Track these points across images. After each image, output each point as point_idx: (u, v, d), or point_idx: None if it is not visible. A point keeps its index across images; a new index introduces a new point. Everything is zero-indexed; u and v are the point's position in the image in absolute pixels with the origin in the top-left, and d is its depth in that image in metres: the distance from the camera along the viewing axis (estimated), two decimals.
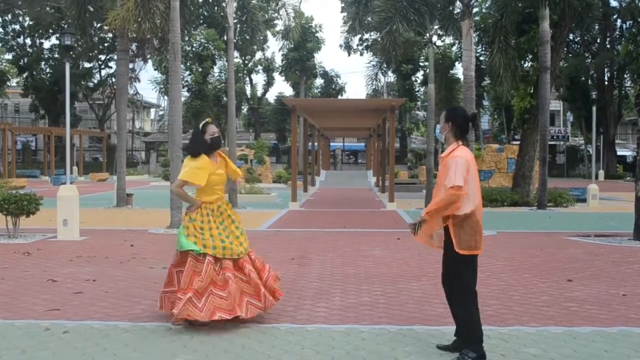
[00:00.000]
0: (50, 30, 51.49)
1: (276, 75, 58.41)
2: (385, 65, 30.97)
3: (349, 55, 46.41)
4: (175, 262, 5.51)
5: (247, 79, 59.19)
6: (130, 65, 28.03)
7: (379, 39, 22.55)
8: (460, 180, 4.26)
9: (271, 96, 64.10)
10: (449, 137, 4.47)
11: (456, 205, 4.30)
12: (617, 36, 45.48)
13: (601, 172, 42.76)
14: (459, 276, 4.45)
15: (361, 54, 48.81)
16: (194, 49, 45.85)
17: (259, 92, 62.51)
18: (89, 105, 59.47)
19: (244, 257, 5.53)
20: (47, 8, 46.26)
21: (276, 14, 44.59)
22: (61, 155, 46.67)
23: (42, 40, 54.42)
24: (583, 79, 46.76)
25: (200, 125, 5.68)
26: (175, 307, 5.14)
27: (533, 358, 4.59)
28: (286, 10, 27.25)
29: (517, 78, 20.26)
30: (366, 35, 42.61)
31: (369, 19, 23.39)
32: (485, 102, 50.75)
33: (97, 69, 55.96)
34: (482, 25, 23.53)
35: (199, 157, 5.52)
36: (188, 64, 45.01)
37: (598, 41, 46.33)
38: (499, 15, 18.51)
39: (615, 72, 46.97)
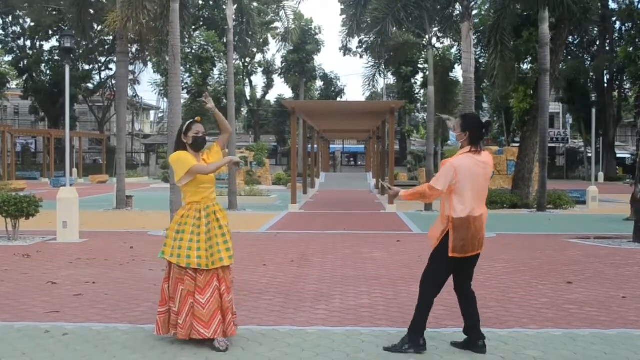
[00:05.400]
0: (50, 33, 51.53)
1: (276, 77, 58.50)
2: (383, 67, 30.93)
3: (344, 55, 46.49)
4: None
5: (247, 81, 59.22)
6: (130, 68, 28.11)
7: (376, 40, 22.59)
8: (437, 183, 4.61)
9: (271, 98, 64.18)
10: (465, 145, 4.71)
11: (428, 199, 4.81)
12: (617, 38, 45.51)
13: (601, 174, 42.77)
14: (432, 266, 4.76)
15: (360, 57, 48.81)
16: (193, 51, 45.90)
17: (259, 94, 62.57)
18: (89, 108, 59.48)
19: (219, 273, 4.91)
20: (48, 10, 46.29)
21: (276, 17, 44.71)
22: (61, 158, 46.67)
23: (42, 43, 54.49)
24: (582, 81, 46.76)
25: (185, 124, 5.10)
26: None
27: None
28: (285, 12, 27.28)
29: (512, 80, 20.29)
30: (365, 37, 42.61)
31: (368, 20, 23.41)
32: (485, 104, 50.80)
33: (97, 71, 55.99)
34: (482, 28, 23.58)
35: (180, 152, 5.00)
36: (188, 66, 45.05)
37: (597, 43, 46.35)
38: (496, 17, 18.54)
39: (614, 74, 46.98)
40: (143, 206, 19.58)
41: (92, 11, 20.49)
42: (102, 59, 54.74)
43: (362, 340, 5.05)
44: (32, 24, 51.14)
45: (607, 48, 45.31)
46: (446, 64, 34.77)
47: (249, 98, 59.54)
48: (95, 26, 24.82)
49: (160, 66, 42.32)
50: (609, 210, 19.40)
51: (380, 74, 31.05)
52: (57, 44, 50.59)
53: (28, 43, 55.02)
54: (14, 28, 54.26)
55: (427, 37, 23.22)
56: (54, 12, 46.87)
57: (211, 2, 49.46)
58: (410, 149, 55.60)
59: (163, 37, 17.65)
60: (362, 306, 6.24)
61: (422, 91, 50.17)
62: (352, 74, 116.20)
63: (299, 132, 34.00)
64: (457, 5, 20.70)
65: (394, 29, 19.34)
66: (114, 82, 46.60)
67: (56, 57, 52.24)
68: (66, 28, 25.97)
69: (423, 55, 43.14)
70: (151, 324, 5.48)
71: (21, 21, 53.31)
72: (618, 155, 52.90)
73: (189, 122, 5.14)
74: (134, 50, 23.53)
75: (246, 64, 56.43)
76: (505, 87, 20.86)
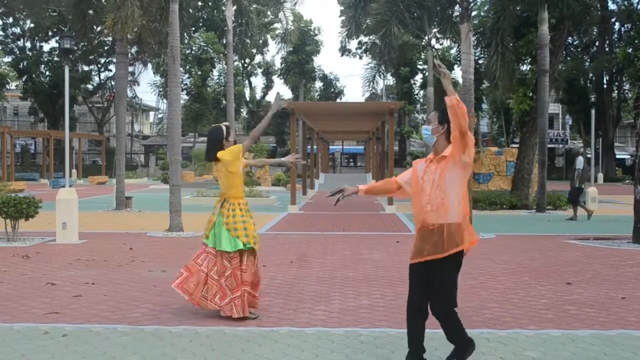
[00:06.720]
0: (50, 34, 51.58)
1: (275, 78, 58.58)
2: (383, 68, 30.98)
3: (341, 56, 46.61)
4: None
5: (246, 82, 59.26)
6: (130, 69, 28.15)
7: (376, 42, 22.65)
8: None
9: (270, 99, 64.16)
10: (441, 139, 4.28)
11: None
12: (616, 39, 45.54)
13: (600, 175, 42.76)
14: (455, 278, 4.19)
15: (360, 57, 48.94)
16: (193, 52, 45.94)
17: (258, 95, 62.63)
18: (88, 109, 59.51)
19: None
20: (48, 11, 46.32)
21: (276, 18, 44.78)
22: (60, 159, 46.68)
23: (42, 44, 54.55)
24: (582, 82, 46.80)
25: (225, 128, 5.86)
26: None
27: None
28: (284, 14, 27.34)
29: (514, 81, 20.28)
30: (365, 39, 42.68)
31: (368, 21, 23.43)
32: (484, 105, 50.84)
33: (97, 72, 56.05)
34: (481, 29, 23.58)
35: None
36: (187, 67, 45.09)
37: (596, 44, 46.38)
38: (496, 18, 18.55)
39: (613, 75, 47.02)
40: (142, 207, 19.57)
41: (91, 12, 20.45)
42: (102, 60, 54.79)
43: (361, 341, 5.05)
44: (32, 25, 51.19)
45: (607, 49, 45.33)
46: (445, 65, 34.81)
47: (248, 99, 59.59)
48: (95, 27, 24.85)
49: (159, 67, 42.35)
50: (608, 211, 19.40)
51: (379, 75, 31.13)
52: (56, 45, 50.69)
53: (28, 44, 55.08)
54: (13, 29, 54.32)
55: (426, 38, 23.26)
56: (54, 14, 46.90)
57: (210, 4, 49.52)
58: (410, 150, 55.65)
59: (162, 38, 17.66)
60: (361, 307, 6.24)
61: (421, 92, 50.26)
62: (351, 74, 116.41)
63: (298, 133, 34.02)
64: (457, 7, 20.70)
65: (398, 30, 19.33)
66: (113, 83, 46.68)
67: (56, 58, 52.28)
68: (66, 29, 25.99)
69: (422, 56, 43.20)
70: (151, 325, 5.49)
71: (21, 22, 53.35)
72: (617, 156, 52.91)
73: (225, 126, 5.86)
74: (133, 51, 23.52)
75: (246, 65, 56.50)
76: (509, 88, 20.80)
